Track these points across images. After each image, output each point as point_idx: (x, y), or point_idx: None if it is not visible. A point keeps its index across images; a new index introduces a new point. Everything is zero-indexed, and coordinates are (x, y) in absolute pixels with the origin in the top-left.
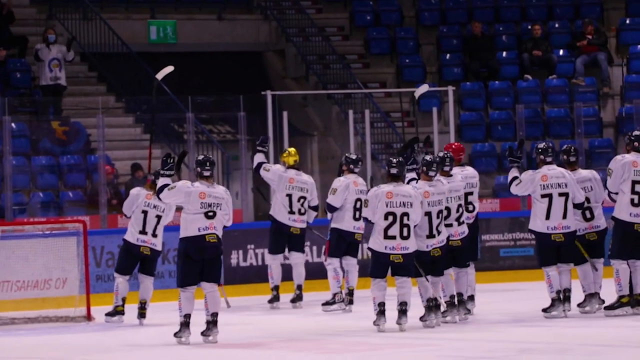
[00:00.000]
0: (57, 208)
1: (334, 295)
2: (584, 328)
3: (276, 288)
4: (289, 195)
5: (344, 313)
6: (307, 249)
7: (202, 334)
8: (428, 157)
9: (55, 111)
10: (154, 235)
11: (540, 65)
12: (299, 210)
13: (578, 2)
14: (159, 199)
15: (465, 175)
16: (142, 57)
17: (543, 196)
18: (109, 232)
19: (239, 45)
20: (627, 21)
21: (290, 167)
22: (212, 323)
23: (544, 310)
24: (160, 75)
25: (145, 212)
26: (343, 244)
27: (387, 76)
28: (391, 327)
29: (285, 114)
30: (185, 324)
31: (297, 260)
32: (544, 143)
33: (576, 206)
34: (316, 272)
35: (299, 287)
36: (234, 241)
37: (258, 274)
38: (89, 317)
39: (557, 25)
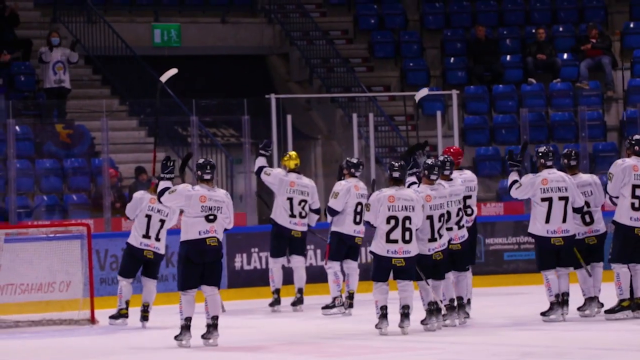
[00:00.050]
0: (61, 211)
1: (334, 299)
2: (585, 332)
3: (277, 291)
4: (290, 199)
5: (344, 316)
6: (308, 252)
7: (203, 337)
8: (429, 161)
9: (59, 114)
10: (157, 239)
11: (545, 69)
12: (300, 213)
13: (582, 6)
14: (160, 202)
15: (464, 179)
16: (146, 60)
17: (543, 200)
18: (112, 235)
19: (243, 49)
20: (632, 25)
21: (291, 170)
22: (212, 326)
23: (543, 314)
24: (164, 78)
25: (149, 217)
26: (343, 248)
27: (391, 80)
28: (393, 331)
29: (289, 117)
30: (186, 327)
31: (298, 263)
32: (544, 147)
33: (576, 210)
34: (317, 276)
35: (300, 291)
36: (238, 244)
37: (262, 278)
38: (92, 320)
39: (561, 29)
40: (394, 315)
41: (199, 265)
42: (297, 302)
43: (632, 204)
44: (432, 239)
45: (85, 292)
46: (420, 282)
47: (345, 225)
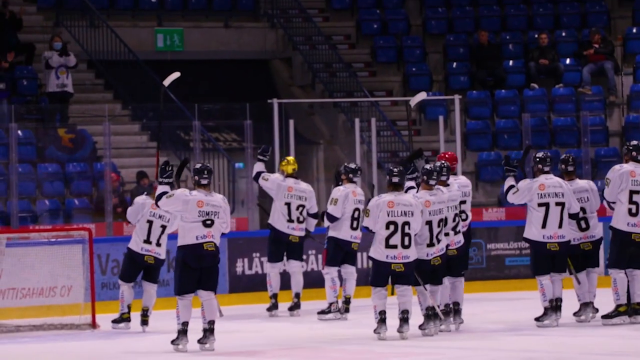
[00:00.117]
0: (63, 215)
1: (330, 304)
2: (584, 337)
3: (275, 296)
4: (288, 204)
5: (340, 321)
6: (307, 257)
7: (199, 341)
8: (428, 166)
9: (62, 118)
10: (158, 244)
11: (547, 74)
12: (298, 218)
13: (585, 11)
14: (157, 206)
15: (459, 185)
16: (149, 64)
17: (540, 205)
18: (114, 239)
19: (245, 53)
20: (634, 30)
21: (288, 175)
22: (209, 331)
23: (537, 319)
24: (167, 82)
25: (150, 222)
26: (340, 253)
27: (393, 84)
28: (391, 336)
29: (291, 122)
30: (182, 331)
31: (295, 268)
32: (542, 152)
33: (571, 216)
34: (316, 281)
35: (297, 295)
36: (240, 249)
37: (263, 282)
38: (94, 324)
39: (563, 34)
40: (391, 320)
41: (196, 270)
42: (294, 307)
43: (629, 210)
44: (431, 244)
45: (87, 297)
46: (419, 287)
47: (342, 231)
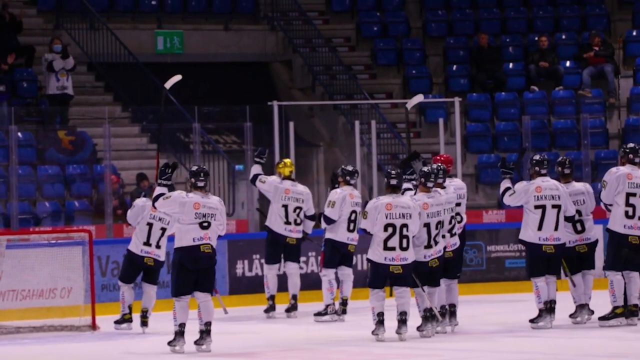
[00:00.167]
0: (63, 217)
1: (327, 306)
2: (581, 339)
3: (272, 298)
4: (285, 206)
5: (338, 323)
6: (304, 259)
7: (196, 343)
8: (426, 169)
9: (62, 121)
10: (158, 246)
11: (547, 77)
12: (295, 220)
13: (585, 14)
14: (154, 207)
15: (454, 187)
16: (149, 67)
17: (536, 207)
18: (114, 241)
19: (245, 56)
20: (634, 33)
21: (285, 177)
22: (205, 332)
23: (531, 321)
24: (168, 84)
25: (150, 225)
26: (337, 255)
27: (393, 87)
28: (390, 337)
29: (291, 124)
30: (179, 332)
31: (292, 270)
32: (539, 155)
33: (567, 219)
34: (315, 283)
35: (294, 297)
36: (240, 251)
37: (263, 284)
38: (94, 326)
39: (563, 37)
40: (389, 322)
41: (193, 272)
42: (291, 308)
43: (626, 212)
44: (429, 246)
45: (87, 299)
46: (416, 289)
47: (339, 233)
